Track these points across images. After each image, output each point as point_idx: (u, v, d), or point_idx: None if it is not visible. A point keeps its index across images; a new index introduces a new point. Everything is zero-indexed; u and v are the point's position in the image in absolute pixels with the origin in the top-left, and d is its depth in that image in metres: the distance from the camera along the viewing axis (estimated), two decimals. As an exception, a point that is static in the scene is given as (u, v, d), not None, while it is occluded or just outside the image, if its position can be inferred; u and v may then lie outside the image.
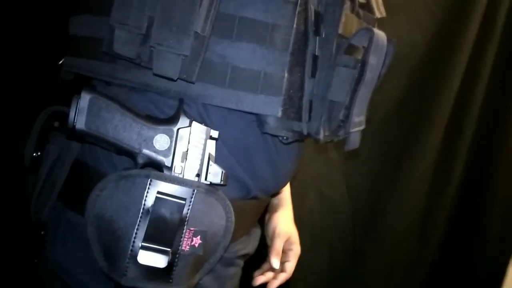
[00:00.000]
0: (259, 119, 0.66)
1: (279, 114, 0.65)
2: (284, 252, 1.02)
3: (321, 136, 0.68)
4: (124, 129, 0.61)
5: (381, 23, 1.63)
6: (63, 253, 0.71)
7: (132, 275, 0.61)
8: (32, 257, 0.78)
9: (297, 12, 0.64)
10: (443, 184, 1.89)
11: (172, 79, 0.61)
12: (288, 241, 1.04)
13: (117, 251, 0.62)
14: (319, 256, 1.81)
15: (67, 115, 0.62)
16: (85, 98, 0.61)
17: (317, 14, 0.67)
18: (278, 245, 1.01)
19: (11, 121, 1.41)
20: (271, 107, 0.64)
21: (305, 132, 0.68)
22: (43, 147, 0.77)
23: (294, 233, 1.08)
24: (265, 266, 1.01)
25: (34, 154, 0.77)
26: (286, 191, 1.11)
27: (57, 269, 0.72)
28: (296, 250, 1.04)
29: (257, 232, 0.90)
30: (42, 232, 0.76)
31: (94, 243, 0.63)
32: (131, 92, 0.66)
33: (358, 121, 0.74)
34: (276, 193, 0.95)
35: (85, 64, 0.67)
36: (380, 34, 0.71)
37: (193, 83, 0.62)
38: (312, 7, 0.65)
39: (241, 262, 0.81)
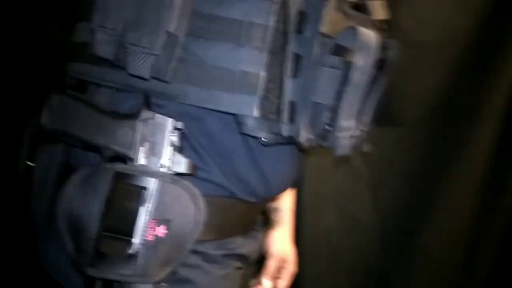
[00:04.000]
0: (237, 120, 0.80)
1: (255, 113, 0.79)
2: (279, 269, 1.25)
3: (302, 139, 0.82)
4: (89, 125, 0.81)
5: (418, 5, 1.74)
6: (52, 248, 0.91)
7: (97, 265, 0.78)
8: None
9: (273, 10, 0.77)
10: (495, 202, 1.93)
11: (144, 78, 0.78)
12: (282, 260, 1.27)
13: (83, 242, 0.79)
14: (338, 283, 1.93)
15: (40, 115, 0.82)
16: (54, 99, 0.82)
17: (301, 13, 0.80)
18: (271, 265, 1.25)
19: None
20: (247, 107, 0.79)
21: (284, 134, 0.81)
22: (34, 155, 0.98)
23: (290, 252, 1.30)
24: (259, 277, 1.23)
25: (27, 162, 0.99)
26: (287, 207, 1.31)
27: (46, 264, 0.93)
28: (289, 269, 1.27)
29: (257, 236, 1.05)
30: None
31: (65, 236, 0.82)
32: (118, 93, 0.85)
33: (347, 125, 0.86)
34: (273, 198, 1.10)
35: (80, 68, 0.88)
36: (367, 33, 0.84)
37: (167, 82, 0.78)
38: (292, 6, 0.80)
39: (235, 263, 0.95)
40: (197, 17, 0.78)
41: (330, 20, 0.81)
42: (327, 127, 0.85)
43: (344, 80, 0.83)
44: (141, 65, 0.77)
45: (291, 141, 0.83)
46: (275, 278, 1.27)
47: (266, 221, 1.30)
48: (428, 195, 1.92)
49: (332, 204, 1.91)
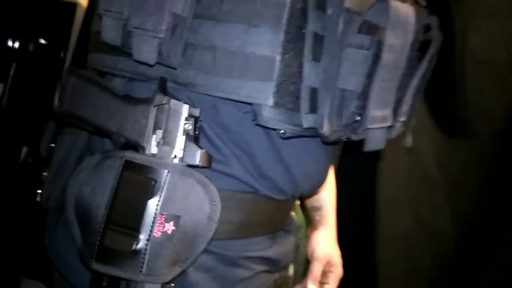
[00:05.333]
0: (253, 110, 0.72)
1: (270, 102, 0.70)
2: (324, 273, 1.13)
3: (325, 130, 0.71)
4: (101, 109, 0.74)
5: (487, 27, 1.69)
6: (61, 240, 0.85)
7: (101, 259, 0.72)
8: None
9: None
10: None
11: (149, 65, 0.72)
12: (328, 263, 1.16)
13: (90, 233, 0.74)
14: (417, 284, 1.90)
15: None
16: (67, 82, 0.76)
17: None
18: (315, 269, 1.14)
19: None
20: (262, 95, 0.70)
21: (305, 125, 0.72)
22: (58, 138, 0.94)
23: (336, 254, 1.18)
24: (305, 282, 1.13)
25: (51, 145, 0.94)
26: (329, 206, 1.20)
27: (53, 256, 0.87)
28: (336, 272, 1.15)
29: (287, 238, 0.94)
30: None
31: (73, 225, 0.76)
32: (131, 83, 0.79)
33: (381, 115, 0.76)
34: (304, 195, 0.99)
35: (95, 58, 0.83)
36: (401, 8, 0.73)
37: (175, 68, 0.72)
38: None
39: (259, 267, 0.85)
40: None
41: None
42: (356, 117, 0.74)
43: (375, 62, 0.71)
44: (146, 50, 0.71)
45: (313, 133, 0.73)
46: (321, 283, 1.15)
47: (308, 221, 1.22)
48: (504, 203, 1.85)
49: (408, 210, 1.88)
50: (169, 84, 0.74)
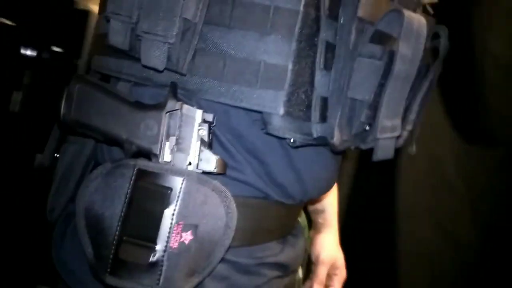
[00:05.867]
0: (263, 118, 0.72)
1: (281, 111, 0.70)
2: (329, 276, 1.15)
3: (336, 140, 0.71)
4: (110, 116, 0.72)
5: (508, 32, 1.65)
6: (69, 251, 0.82)
7: (116, 273, 0.69)
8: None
9: None
10: None
11: (158, 70, 0.70)
12: (333, 266, 1.17)
13: (102, 246, 0.71)
14: None
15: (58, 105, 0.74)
16: (73, 88, 0.73)
17: None
18: (321, 272, 1.15)
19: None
20: (272, 104, 0.70)
21: (315, 135, 0.71)
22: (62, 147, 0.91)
23: (340, 257, 1.19)
24: (307, 284, 1.14)
25: (55, 155, 0.91)
26: (332, 209, 1.20)
27: (61, 269, 0.84)
28: (341, 275, 1.17)
29: (296, 242, 0.93)
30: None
31: (84, 237, 0.73)
32: (136, 87, 0.77)
33: (391, 125, 0.76)
34: (312, 200, 1.00)
35: (99, 61, 0.80)
36: (415, 18, 0.73)
37: (184, 74, 0.70)
38: None
39: (271, 273, 0.83)
40: (218, 2, 0.69)
41: (370, 2, 0.71)
42: (366, 127, 0.74)
43: (386, 72, 0.72)
44: (155, 55, 0.69)
45: (323, 142, 0.73)
46: (327, 286, 1.17)
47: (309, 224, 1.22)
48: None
49: (428, 219, 1.87)
50: (178, 91, 0.72)
